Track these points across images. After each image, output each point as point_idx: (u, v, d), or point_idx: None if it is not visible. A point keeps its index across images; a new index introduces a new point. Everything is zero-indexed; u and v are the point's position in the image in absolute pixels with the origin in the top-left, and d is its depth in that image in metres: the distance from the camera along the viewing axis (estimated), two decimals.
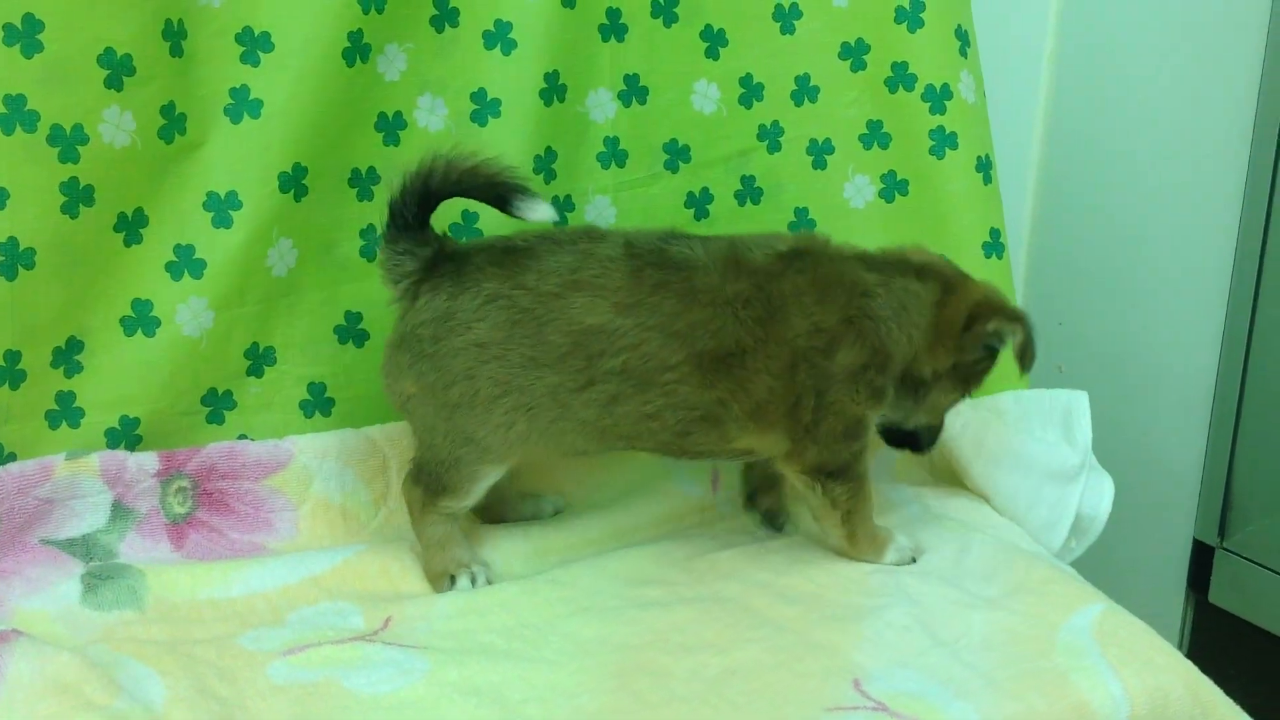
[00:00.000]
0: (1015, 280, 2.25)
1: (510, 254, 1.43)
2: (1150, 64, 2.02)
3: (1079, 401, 1.69)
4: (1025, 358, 1.49)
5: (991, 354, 1.51)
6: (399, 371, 1.44)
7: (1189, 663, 1.36)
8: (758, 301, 1.43)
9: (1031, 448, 1.64)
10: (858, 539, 1.50)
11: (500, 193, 1.41)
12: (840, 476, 1.47)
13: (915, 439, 1.57)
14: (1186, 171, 1.98)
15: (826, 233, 1.54)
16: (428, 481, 1.46)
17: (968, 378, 1.52)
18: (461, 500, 1.47)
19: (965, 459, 1.66)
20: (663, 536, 1.58)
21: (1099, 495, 1.65)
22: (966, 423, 1.66)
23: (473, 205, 1.59)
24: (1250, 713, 1.82)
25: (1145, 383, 2.10)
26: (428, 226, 1.43)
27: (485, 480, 1.46)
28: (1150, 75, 2.02)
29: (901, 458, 1.72)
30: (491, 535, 1.54)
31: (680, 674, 1.29)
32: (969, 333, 1.47)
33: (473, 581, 1.45)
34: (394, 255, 1.43)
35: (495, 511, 1.58)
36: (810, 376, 1.43)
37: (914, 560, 1.52)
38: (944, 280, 1.50)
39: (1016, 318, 1.48)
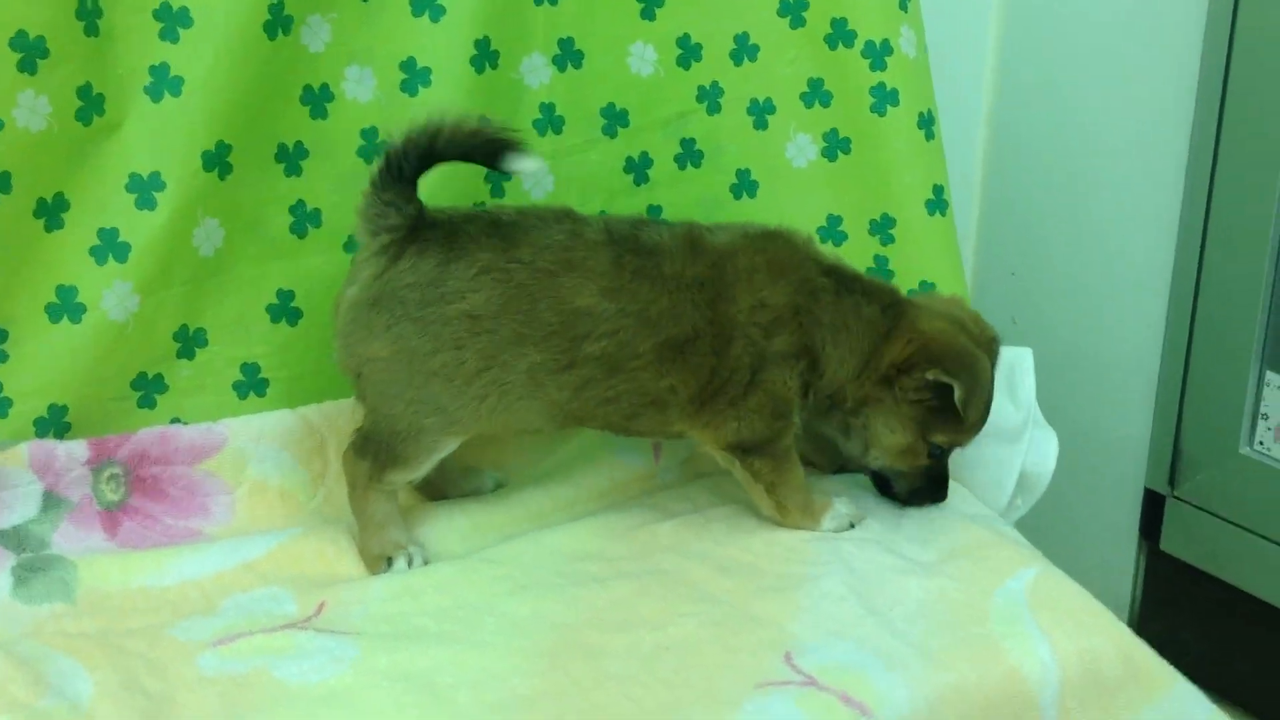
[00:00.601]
0: (968, 231, 2.26)
1: (500, 226, 1.42)
2: (1100, 12, 2.00)
3: (1023, 359, 1.68)
4: (968, 408, 1.43)
5: (942, 399, 1.44)
6: (370, 333, 1.41)
7: (1122, 625, 1.37)
8: (711, 283, 1.43)
9: None
10: (788, 509, 1.50)
11: (497, 148, 1.38)
12: (760, 452, 1.46)
13: (885, 483, 1.56)
14: (1136, 121, 1.97)
15: (791, 229, 1.53)
16: (376, 452, 1.44)
17: (922, 421, 1.47)
18: (413, 472, 1.45)
19: None
20: (605, 508, 1.57)
21: (1044, 452, 1.65)
22: None
23: None
24: (1201, 656, 1.84)
25: (1097, 333, 2.10)
26: (415, 185, 1.40)
27: (442, 452, 1.45)
28: (1100, 23, 2.00)
29: None
30: (429, 513, 1.53)
31: (614, 652, 1.29)
32: (906, 377, 1.45)
33: (409, 563, 1.44)
34: (380, 204, 1.40)
35: (436, 487, 1.57)
36: (745, 352, 1.43)
37: (853, 526, 1.52)
38: (906, 318, 1.46)
39: (959, 370, 1.42)
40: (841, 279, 1.48)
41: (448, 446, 1.45)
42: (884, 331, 1.46)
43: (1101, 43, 2.00)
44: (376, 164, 1.40)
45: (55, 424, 1.47)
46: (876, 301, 1.48)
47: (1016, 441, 1.63)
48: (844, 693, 1.23)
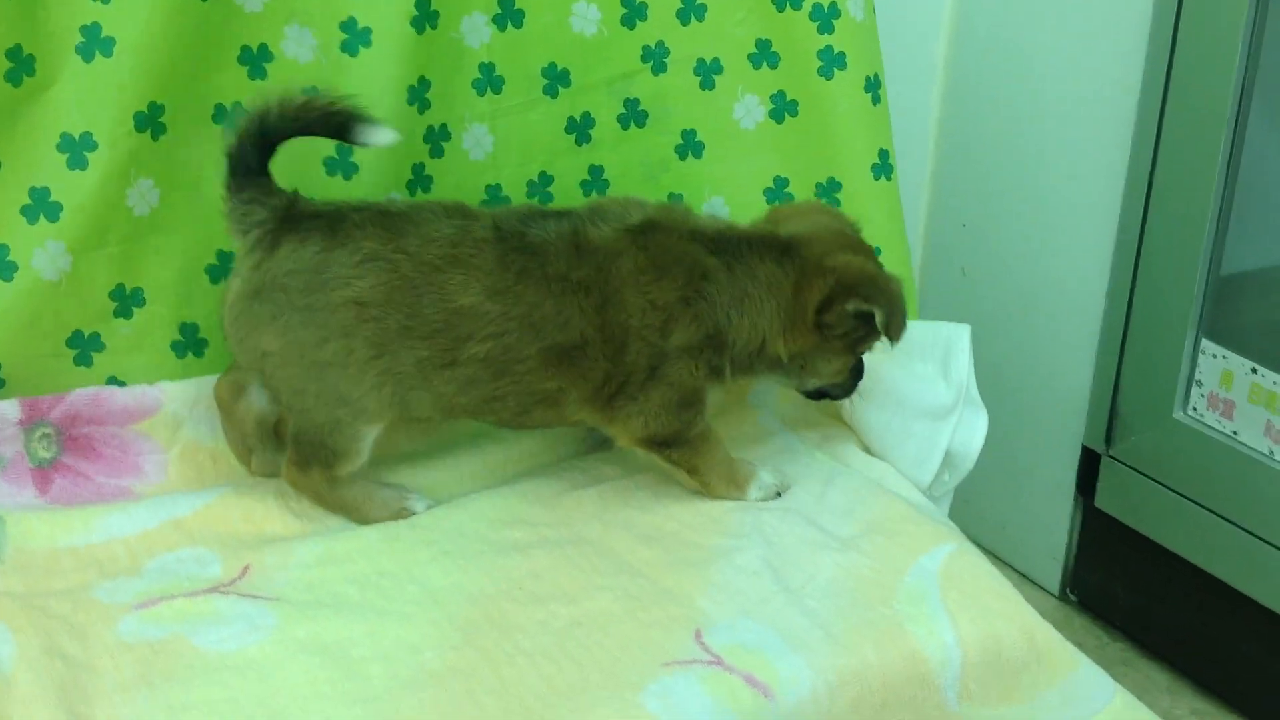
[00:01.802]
0: (922, 181, 2.26)
1: (388, 216, 1.41)
2: None
3: (960, 337, 1.69)
4: (891, 330, 1.45)
5: (867, 324, 1.47)
6: (256, 325, 1.41)
7: (1028, 606, 1.40)
8: (597, 288, 1.42)
9: (904, 383, 1.65)
10: (712, 484, 1.52)
11: (339, 122, 1.38)
12: (676, 443, 1.48)
13: (824, 393, 1.59)
14: (1087, 83, 1.96)
15: (688, 204, 1.56)
16: (313, 453, 1.44)
17: (853, 345, 1.50)
18: (354, 461, 1.46)
19: None
20: (534, 471, 1.60)
21: (971, 431, 1.67)
22: None
23: None
24: (1130, 610, 1.89)
25: (1043, 289, 2.11)
26: (269, 174, 1.40)
27: (367, 439, 1.46)
28: None
29: (783, 390, 1.74)
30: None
31: (528, 627, 1.33)
32: (828, 314, 1.46)
33: (425, 505, 1.49)
34: (241, 204, 1.40)
35: None
36: (641, 354, 1.43)
37: (779, 495, 1.54)
38: (806, 263, 1.47)
39: (875, 294, 1.45)
40: (728, 249, 1.46)
41: (370, 433, 1.45)
42: (793, 281, 1.46)
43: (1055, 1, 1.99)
44: (223, 168, 1.39)
45: None
46: (768, 256, 1.47)
47: (945, 418, 1.65)
48: (749, 674, 1.26)
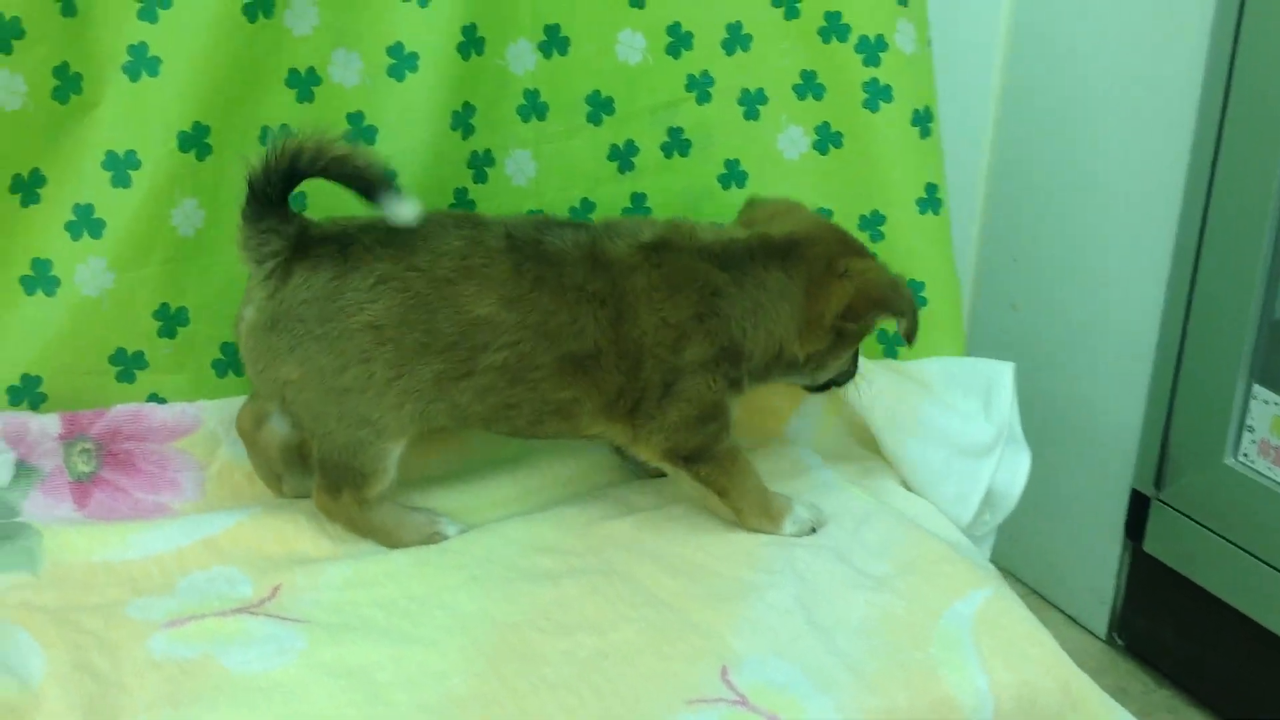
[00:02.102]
0: (974, 215, 2.24)
1: (397, 233, 1.40)
2: (1108, 4, 1.96)
3: (1003, 374, 1.67)
4: (910, 337, 1.50)
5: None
6: (275, 356, 1.40)
7: (1064, 655, 1.37)
8: (612, 301, 1.42)
9: (945, 420, 1.63)
10: (745, 512, 1.51)
11: (369, 184, 1.36)
12: (700, 459, 1.47)
13: (832, 383, 1.61)
14: (1141, 123, 1.94)
15: (692, 220, 1.53)
16: (340, 476, 1.44)
17: (859, 337, 1.54)
18: (381, 482, 1.45)
19: (878, 428, 1.66)
20: (568, 498, 1.59)
21: (1014, 470, 1.64)
22: (881, 390, 1.65)
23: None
24: (1179, 656, 1.85)
25: (1093, 327, 2.08)
26: (288, 204, 1.39)
27: (392, 456, 1.45)
28: (1109, 16, 1.96)
29: (822, 424, 1.72)
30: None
31: (553, 657, 1.31)
32: (851, 325, 1.48)
33: (456, 530, 1.49)
34: (258, 233, 1.38)
35: None
36: (656, 370, 1.43)
37: (814, 531, 1.52)
38: (812, 267, 1.48)
39: (898, 303, 1.48)
40: (735, 262, 1.47)
41: (394, 451, 1.45)
42: (802, 285, 1.48)
43: (1110, 36, 1.97)
44: (243, 195, 1.37)
45: (29, 394, 1.50)
46: (773, 264, 1.48)
47: (986, 456, 1.62)
48: (774, 715, 1.24)
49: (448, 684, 1.27)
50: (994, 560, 2.14)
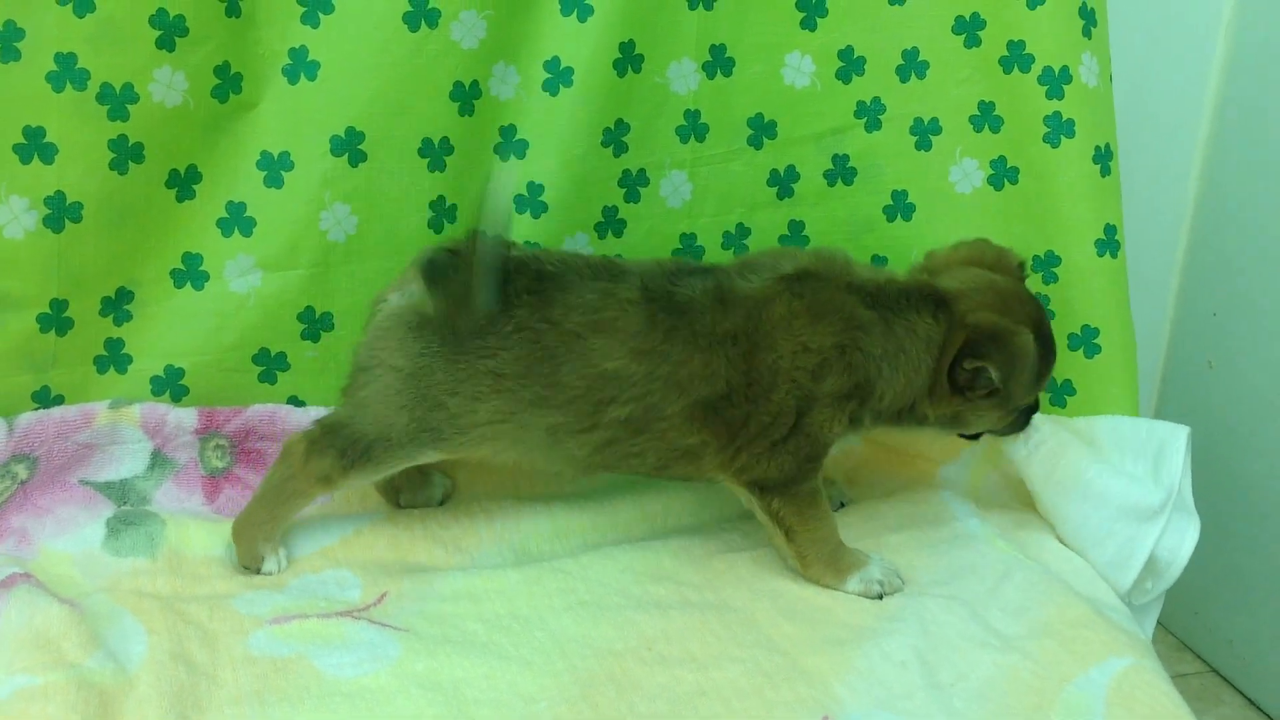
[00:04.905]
0: (1172, 267, 2.10)
1: (542, 280, 1.37)
2: None
3: (1176, 437, 1.55)
4: (1009, 384, 1.41)
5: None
6: (400, 349, 1.37)
7: None
8: (745, 336, 1.38)
9: (1109, 480, 1.51)
10: (809, 560, 1.43)
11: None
12: (781, 491, 1.41)
13: (979, 435, 1.55)
14: None
15: (849, 255, 1.48)
16: (345, 449, 1.38)
17: (1002, 403, 1.44)
18: (375, 476, 1.43)
19: (1036, 483, 1.56)
20: (691, 528, 1.54)
21: (1181, 538, 1.52)
22: (1042, 441, 1.55)
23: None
24: None
25: None
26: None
27: (418, 461, 1.42)
28: None
29: (978, 473, 1.63)
30: (514, 512, 1.53)
31: (649, 688, 1.26)
32: (957, 375, 1.41)
33: (278, 565, 1.42)
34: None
35: (395, 486, 1.54)
36: (790, 395, 1.38)
37: (880, 597, 1.42)
38: (951, 316, 1.41)
39: (990, 350, 1.39)
40: (885, 304, 1.41)
41: (426, 459, 1.42)
42: (941, 340, 1.41)
43: None
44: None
45: (171, 385, 1.53)
46: (926, 311, 1.42)
47: (1152, 521, 1.50)
48: None
49: (535, 708, 1.23)
50: (1173, 634, 1.99)
